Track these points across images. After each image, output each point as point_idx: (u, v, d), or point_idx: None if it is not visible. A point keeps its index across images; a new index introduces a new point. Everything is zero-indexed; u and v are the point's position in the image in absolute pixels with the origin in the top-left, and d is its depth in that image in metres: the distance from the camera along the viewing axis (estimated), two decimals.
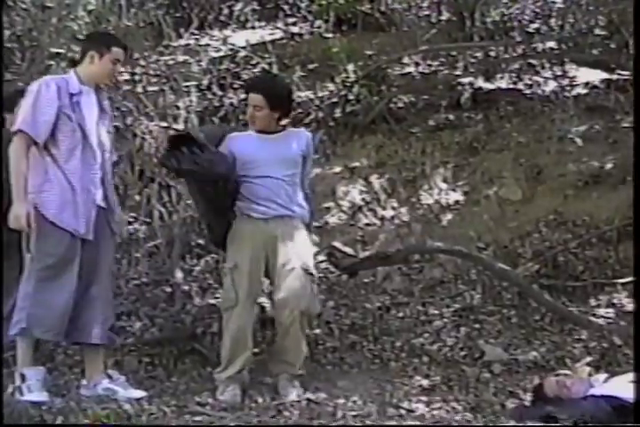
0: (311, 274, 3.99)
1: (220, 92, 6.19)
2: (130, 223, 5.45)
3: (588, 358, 3.87)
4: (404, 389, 4.05)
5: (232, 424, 3.40)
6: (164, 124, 5.70)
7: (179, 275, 5.00)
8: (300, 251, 3.98)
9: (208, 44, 6.64)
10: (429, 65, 6.39)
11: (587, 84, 6.14)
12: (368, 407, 3.66)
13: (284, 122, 4.08)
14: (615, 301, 4.80)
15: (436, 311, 4.74)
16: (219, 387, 3.92)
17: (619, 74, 6.08)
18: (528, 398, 3.80)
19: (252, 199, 3.98)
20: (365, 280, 5.00)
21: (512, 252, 5.09)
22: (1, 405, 2.97)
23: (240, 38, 6.76)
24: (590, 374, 3.68)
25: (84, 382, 3.84)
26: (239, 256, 3.94)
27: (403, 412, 3.64)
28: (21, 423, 2.87)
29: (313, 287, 4.00)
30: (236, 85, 6.26)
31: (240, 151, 4.00)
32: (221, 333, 4.49)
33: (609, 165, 5.49)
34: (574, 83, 6.17)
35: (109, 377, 3.79)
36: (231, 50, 6.55)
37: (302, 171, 4.09)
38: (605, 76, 6.14)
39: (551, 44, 6.39)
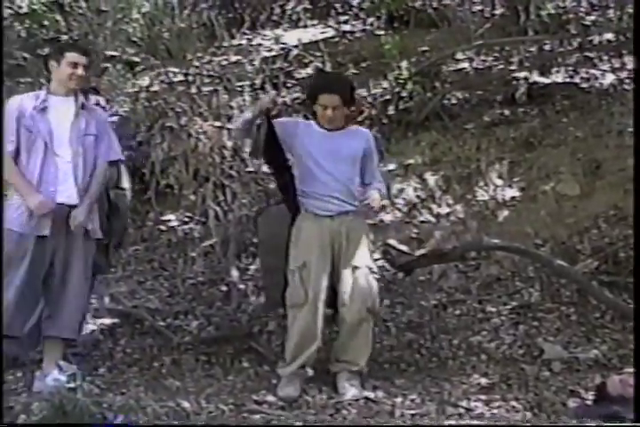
0: (375, 272, 4.01)
1: (273, 91, 6.20)
2: (185, 223, 5.51)
3: None
4: (462, 387, 4.00)
5: (293, 423, 3.40)
6: (218, 124, 5.74)
7: (234, 274, 5.03)
8: (363, 248, 4.00)
9: (260, 44, 6.66)
10: (483, 60, 6.32)
11: None
12: (426, 406, 3.63)
13: (359, 118, 4.14)
14: None
15: (494, 309, 4.68)
16: (280, 382, 3.93)
17: None
18: (590, 397, 3.73)
19: (315, 196, 4.01)
20: (421, 278, 4.96)
21: (570, 248, 5.00)
22: (1, 404, 3.00)
23: (292, 37, 6.77)
24: None
25: (37, 373, 3.92)
26: (307, 254, 3.94)
27: (461, 411, 3.61)
28: (22, 424, 2.91)
29: (377, 286, 4.01)
30: (289, 84, 6.27)
31: (307, 144, 4.03)
32: (278, 331, 4.56)
33: None
34: (633, 75, 6.02)
35: (60, 368, 3.83)
36: (283, 49, 6.56)
37: (366, 167, 4.13)
38: None
39: (608, 35, 6.27)
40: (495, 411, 3.61)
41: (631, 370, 3.59)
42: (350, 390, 3.84)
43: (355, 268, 3.95)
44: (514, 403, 3.74)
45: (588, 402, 3.65)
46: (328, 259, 3.95)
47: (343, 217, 4.00)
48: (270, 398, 3.82)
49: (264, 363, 4.34)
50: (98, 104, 4.30)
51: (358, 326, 3.95)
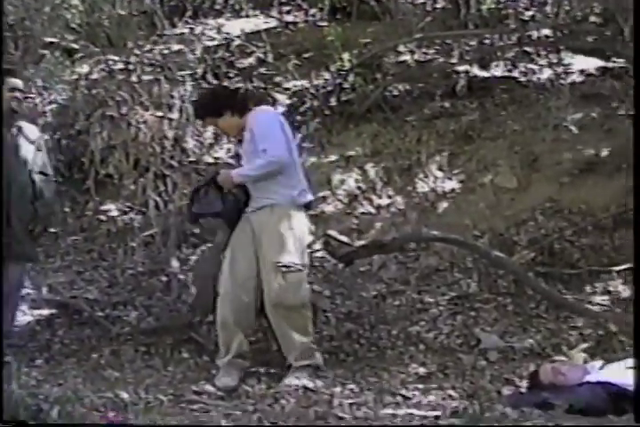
0: (296, 265, 4.03)
1: (214, 81, 6.17)
2: (125, 213, 5.46)
3: (584, 345, 3.88)
4: (400, 376, 4.07)
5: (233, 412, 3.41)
6: (159, 114, 5.69)
7: (175, 264, 5.01)
8: (281, 242, 4.02)
9: (202, 33, 6.60)
10: (425, 53, 6.36)
11: (582, 71, 6.10)
12: (364, 395, 3.67)
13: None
14: (611, 288, 4.80)
15: (432, 299, 4.75)
16: (218, 373, 3.94)
17: (614, 61, 6.07)
18: (524, 385, 3.82)
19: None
20: (361, 269, 5.00)
21: (508, 240, 5.09)
22: (1, 403, 2.98)
23: (234, 27, 6.72)
24: (586, 361, 3.70)
25: None
26: (235, 249, 4.04)
27: (399, 399, 3.66)
28: (23, 420, 2.88)
29: (297, 279, 4.02)
30: (230, 74, 6.24)
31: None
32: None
33: (604, 153, 5.47)
34: (570, 70, 6.13)
35: None
36: (225, 39, 6.52)
37: None
38: (601, 63, 6.11)
39: (546, 31, 6.35)
40: (432, 399, 3.67)
41: (562, 358, 3.68)
42: (288, 379, 3.87)
43: (273, 263, 3.99)
44: (450, 391, 3.81)
45: (522, 390, 3.73)
46: (252, 252, 4.02)
47: (259, 212, 4.08)
48: (210, 388, 3.82)
49: (204, 353, 4.34)
50: (16, 89, 4.20)
51: (282, 323, 4.00)
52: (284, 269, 3.99)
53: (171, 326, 4.59)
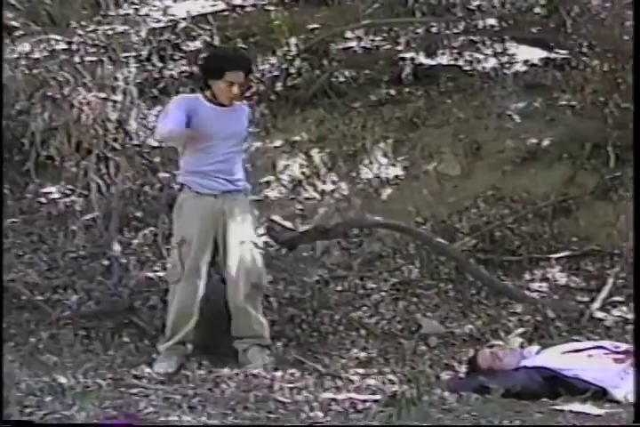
0: (259, 247, 4.06)
1: (159, 64, 6.10)
2: (66, 195, 5.38)
3: (520, 330, 3.94)
4: (341, 361, 4.09)
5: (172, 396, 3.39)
6: (103, 96, 5.60)
7: (116, 248, 4.95)
8: (247, 225, 4.02)
9: (147, 15, 6.51)
10: (371, 40, 6.36)
11: (526, 61, 6.17)
12: (305, 380, 3.68)
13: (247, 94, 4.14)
14: (549, 275, 4.89)
15: (375, 285, 4.78)
16: (157, 358, 3.92)
17: (557, 52, 6.15)
18: (463, 369, 3.87)
19: (201, 174, 3.98)
20: (304, 254, 5.01)
21: (450, 227, 5.15)
22: (1, 404, 2.94)
23: (181, 9, 6.63)
24: (522, 346, 3.77)
25: None
26: (187, 231, 3.94)
27: (339, 383, 3.68)
28: (22, 420, 2.86)
29: (262, 260, 4.06)
30: (176, 57, 6.17)
31: (199, 121, 3.93)
32: (160, 305, 4.52)
33: (546, 142, 5.56)
34: (514, 60, 6.19)
35: None
36: (171, 21, 6.44)
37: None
38: (544, 54, 6.18)
39: (492, 21, 6.41)
40: (372, 383, 3.70)
41: (500, 343, 3.74)
42: (263, 361, 3.92)
43: (240, 243, 3.96)
44: (390, 376, 3.84)
45: (461, 375, 3.78)
46: (210, 236, 3.95)
47: (227, 195, 4.00)
48: (150, 372, 3.80)
49: (145, 338, 4.31)
50: None
51: (245, 302, 3.97)
52: (261, 251, 4.03)
53: (111, 310, 4.54)
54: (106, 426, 2.85)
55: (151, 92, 5.86)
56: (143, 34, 6.21)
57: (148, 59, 6.08)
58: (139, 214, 5.20)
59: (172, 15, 6.53)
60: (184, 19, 6.45)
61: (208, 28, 6.33)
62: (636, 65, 4.20)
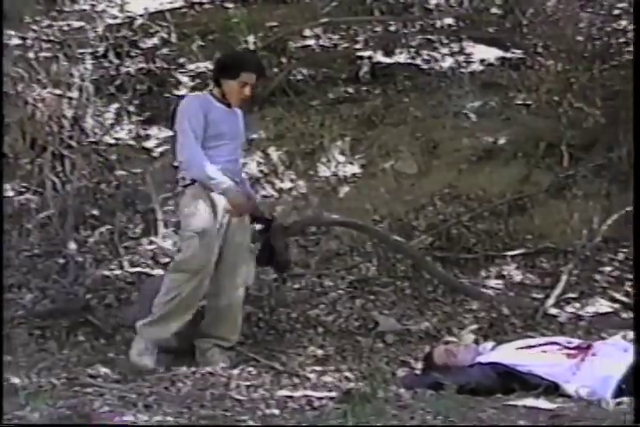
0: (252, 251, 4.09)
1: (116, 61, 6.05)
2: (21, 193, 5.31)
3: (473, 326, 3.98)
4: (298, 359, 4.10)
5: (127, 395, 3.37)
6: (58, 92, 5.55)
7: (72, 246, 4.90)
8: (246, 227, 4.04)
9: (104, 11, 6.46)
10: (330, 38, 6.39)
11: (482, 61, 6.23)
12: (262, 377, 3.68)
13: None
14: (504, 272, 4.94)
15: (332, 283, 4.79)
16: (136, 345, 3.89)
17: (513, 52, 6.22)
18: (419, 366, 3.90)
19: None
20: None
21: (407, 224, 5.18)
22: (1, 404, 2.91)
23: (138, 5, 6.60)
24: (477, 342, 3.81)
25: None
26: (206, 223, 3.89)
27: (296, 381, 3.68)
28: (21, 424, 2.82)
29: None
30: (133, 54, 6.13)
31: (213, 121, 3.93)
32: (115, 304, 4.51)
33: (502, 141, 5.61)
34: (470, 59, 6.26)
35: None
36: (128, 17, 6.39)
37: None
38: (500, 53, 6.25)
39: (449, 20, 6.47)
40: (329, 380, 3.71)
41: (455, 340, 3.77)
42: (224, 361, 3.92)
43: (239, 244, 3.98)
44: (347, 373, 3.86)
45: (417, 371, 3.81)
46: (220, 235, 3.94)
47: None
48: (105, 371, 3.77)
49: (100, 336, 4.28)
50: None
51: (237, 303, 4.00)
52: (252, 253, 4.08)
53: (66, 308, 4.49)
54: (104, 426, 2.84)
55: (107, 89, 5.82)
56: (100, 30, 6.17)
57: (105, 55, 6.03)
58: (95, 212, 5.16)
59: (130, 12, 6.49)
60: (141, 15, 6.42)
61: (165, 24, 6.31)
62: (636, 67, 4.23)
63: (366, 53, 6.22)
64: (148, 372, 3.76)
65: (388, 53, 6.28)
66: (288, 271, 4.51)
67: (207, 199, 3.92)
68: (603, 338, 3.87)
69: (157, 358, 3.91)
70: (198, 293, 3.91)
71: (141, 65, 6.06)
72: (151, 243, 5.12)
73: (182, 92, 6.06)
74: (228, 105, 4.03)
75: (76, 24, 6.22)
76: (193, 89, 6.06)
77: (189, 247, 3.88)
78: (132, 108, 5.89)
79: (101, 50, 6.04)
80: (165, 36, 6.23)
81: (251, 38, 6.15)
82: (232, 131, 4.03)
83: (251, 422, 2.90)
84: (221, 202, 3.94)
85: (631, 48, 5.74)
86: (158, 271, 4.92)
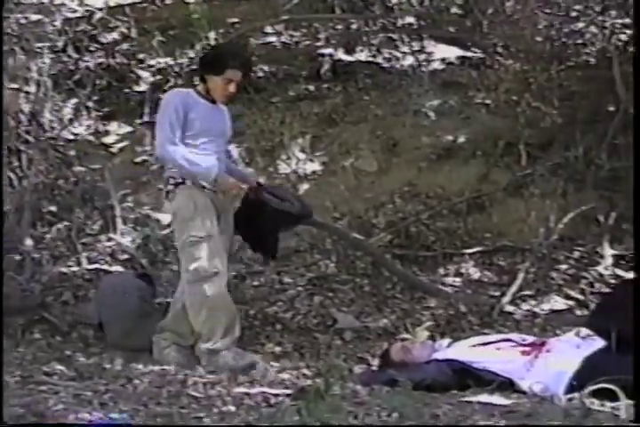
0: None
1: (75, 55, 6.00)
2: None
3: (428, 323, 4.01)
4: (256, 356, 4.08)
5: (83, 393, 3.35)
6: (15, 86, 5.48)
7: (28, 242, 4.86)
8: (232, 225, 4.01)
9: (63, 4, 6.39)
10: (291, 35, 6.39)
11: (443, 59, 6.28)
12: (218, 375, 3.67)
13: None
14: (462, 270, 4.97)
15: (291, 280, 4.79)
16: (228, 355, 3.88)
17: (473, 51, 6.27)
18: (376, 363, 3.92)
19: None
20: None
21: (366, 222, 5.20)
22: (1, 404, 2.86)
23: None
24: (434, 339, 3.84)
25: None
26: (210, 226, 3.87)
27: (254, 378, 3.68)
28: (21, 423, 2.78)
29: None
30: (92, 48, 6.08)
31: (196, 119, 3.89)
32: (72, 301, 4.48)
33: (461, 140, 5.66)
34: (431, 58, 6.29)
35: None
36: (87, 11, 6.34)
37: None
38: (461, 53, 6.29)
39: (410, 19, 6.50)
40: (286, 377, 3.71)
41: (409, 337, 3.80)
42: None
43: (226, 241, 3.99)
44: (305, 370, 3.86)
45: (374, 368, 3.83)
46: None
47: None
48: (61, 368, 3.73)
49: (56, 334, 4.25)
50: None
51: None
52: None
53: (22, 305, 4.45)
54: (103, 426, 2.82)
55: (66, 84, 5.78)
56: (58, 24, 6.10)
57: (64, 50, 5.99)
58: (52, 209, 5.12)
59: (89, 5, 6.43)
60: (100, 9, 6.36)
61: (125, 19, 6.26)
62: (636, 65, 4.27)
63: (327, 51, 6.23)
64: (103, 370, 3.73)
65: (349, 51, 6.30)
66: (274, 259, 4.42)
67: (204, 200, 3.89)
68: (558, 335, 3.91)
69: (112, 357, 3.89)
70: (226, 295, 3.90)
71: (101, 60, 6.03)
72: (109, 240, 5.09)
73: (142, 87, 6.04)
74: (213, 101, 3.99)
75: (34, 17, 6.15)
76: (153, 85, 6.04)
77: (200, 253, 3.84)
78: (90, 104, 5.85)
79: (60, 44, 5.99)
80: (125, 31, 6.19)
81: (212, 34, 6.14)
82: (217, 127, 3.99)
83: (207, 420, 2.88)
84: (212, 201, 3.92)
85: (588, 49, 5.84)
86: (117, 268, 4.90)
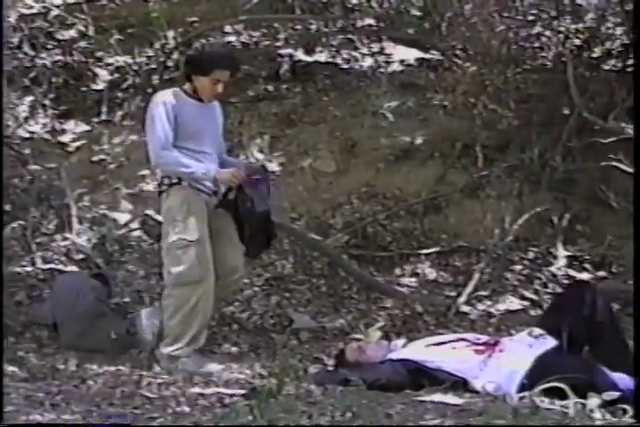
0: None
1: (31, 52, 5.93)
2: None
3: (380, 324, 4.03)
4: (212, 356, 4.08)
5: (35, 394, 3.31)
6: None
7: None
8: (232, 225, 3.97)
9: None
10: (250, 35, 6.38)
11: (402, 61, 6.31)
12: (174, 375, 3.66)
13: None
14: (419, 270, 5.02)
15: (248, 280, 4.77)
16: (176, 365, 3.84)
17: (431, 53, 6.31)
18: (332, 363, 3.93)
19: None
20: None
21: (324, 223, 5.22)
22: (1, 404, 2.80)
23: None
24: (389, 339, 3.87)
25: None
26: (200, 230, 3.84)
27: (210, 378, 3.67)
28: (21, 424, 2.73)
29: None
30: (49, 46, 6.01)
31: (187, 121, 3.87)
32: (26, 301, 4.42)
33: (419, 141, 5.69)
34: (390, 60, 6.33)
35: None
36: (44, 7, 6.26)
37: None
38: (419, 54, 6.34)
39: (370, 20, 6.53)
40: (242, 377, 3.71)
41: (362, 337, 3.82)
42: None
43: (230, 238, 3.94)
44: (260, 370, 3.86)
45: (329, 368, 3.84)
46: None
47: (214, 195, 3.96)
48: (13, 369, 3.69)
49: (9, 334, 4.19)
50: None
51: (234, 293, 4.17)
52: None
53: None
54: (108, 426, 2.79)
55: (22, 82, 5.70)
56: (13, 20, 6.02)
57: (19, 46, 5.90)
58: (7, 208, 5.04)
59: (45, 2, 6.35)
60: (57, 6, 6.29)
61: (83, 17, 6.20)
62: (637, 64, 4.30)
63: (287, 51, 6.23)
64: (56, 371, 3.70)
65: (309, 52, 6.31)
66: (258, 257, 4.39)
67: (197, 203, 3.87)
68: (512, 335, 3.96)
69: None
70: (210, 301, 3.89)
71: (58, 57, 5.96)
72: (65, 239, 5.04)
73: (100, 86, 5.99)
74: (201, 99, 3.97)
75: None
76: (111, 83, 5.99)
77: (186, 258, 3.82)
78: (47, 102, 5.79)
79: (15, 40, 5.91)
80: (83, 28, 6.13)
81: (170, 33, 6.10)
82: (209, 125, 3.98)
83: (160, 420, 2.87)
84: (206, 204, 3.90)
85: (545, 53, 5.92)
86: (72, 268, 4.85)
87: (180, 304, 3.85)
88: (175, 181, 3.88)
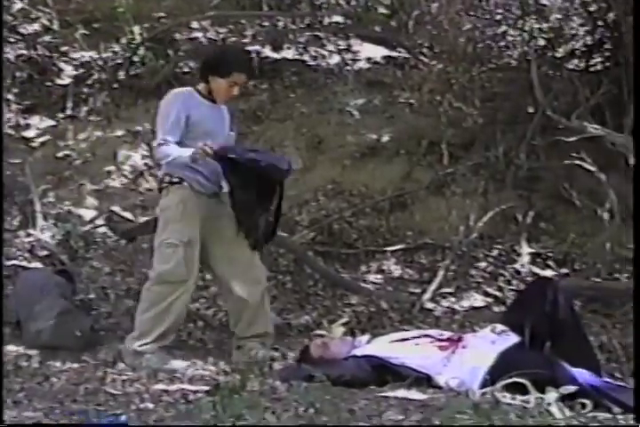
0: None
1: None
2: None
3: (343, 320, 4.05)
4: (177, 353, 4.07)
5: None
6: None
7: None
8: (234, 226, 3.94)
9: None
10: (217, 31, 6.37)
11: (369, 59, 6.34)
12: (138, 372, 3.65)
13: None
14: (384, 267, 5.05)
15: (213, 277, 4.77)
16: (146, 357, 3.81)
17: (398, 51, 6.35)
18: (295, 359, 3.94)
19: (200, 173, 3.87)
20: (144, 246, 4.94)
21: (290, 220, 5.21)
22: (1, 404, 2.76)
23: None
24: (353, 335, 3.89)
25: None
26: (192, 231, 3.83)
27: (173, 375, 3.66)
28: (22, 424, 2.69)
29: None
30: (12, 40, 5.95)
31: (199, 121, 3.86)
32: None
33: (385, 138, 5.72)
34: (357, 57, 6.36)
35: None
36: (8, 1, 6.18)
37: None
38: (386, 52, 6.37)
39: (337, 18, 6.55)
40: (206, 374, 3.71)
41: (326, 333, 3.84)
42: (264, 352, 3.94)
43: (243, 247, 3.93)
44: (225, 366, 3.86)
45: (294, 364, 3.85)
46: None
47: (217, 197, 3.95)
48: None
49: None
50: None
51: (262, 302, 3.99)
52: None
53: None
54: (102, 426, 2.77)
55: None
56: None
57: None
58: None
59: None
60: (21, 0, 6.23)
61: (47, 10, 6.14)
62: (637, 64, 4.32)
63: (254, 48, 6.22)
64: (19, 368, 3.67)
65: (276, 49, 6.31)
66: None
67: (195, 204, 3.85)
68: (476, 331, 4.00)
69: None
70: (187, 302, 3.91)
71: (21, 51, 5.90)
72: (29, 235, 5.00)
73: (65, 81, 5.95)
74: (214, 101, 3.97)
75: None
76: (76, 78, 5.95)
77: (174, 257, 3.82)
78: (11, 97, 5.74)
79: None
80: (47, 22, 6.07)
81: (136, 29, 6.08)
82: (218, 127, 3.98)
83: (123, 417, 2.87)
84: (205, 206, 3.88)
85: (510, 52, 5.97)
86: (36, 264, 4.82)
87: (156, 300, 3.86)
88: (176, 180, 3.89)
